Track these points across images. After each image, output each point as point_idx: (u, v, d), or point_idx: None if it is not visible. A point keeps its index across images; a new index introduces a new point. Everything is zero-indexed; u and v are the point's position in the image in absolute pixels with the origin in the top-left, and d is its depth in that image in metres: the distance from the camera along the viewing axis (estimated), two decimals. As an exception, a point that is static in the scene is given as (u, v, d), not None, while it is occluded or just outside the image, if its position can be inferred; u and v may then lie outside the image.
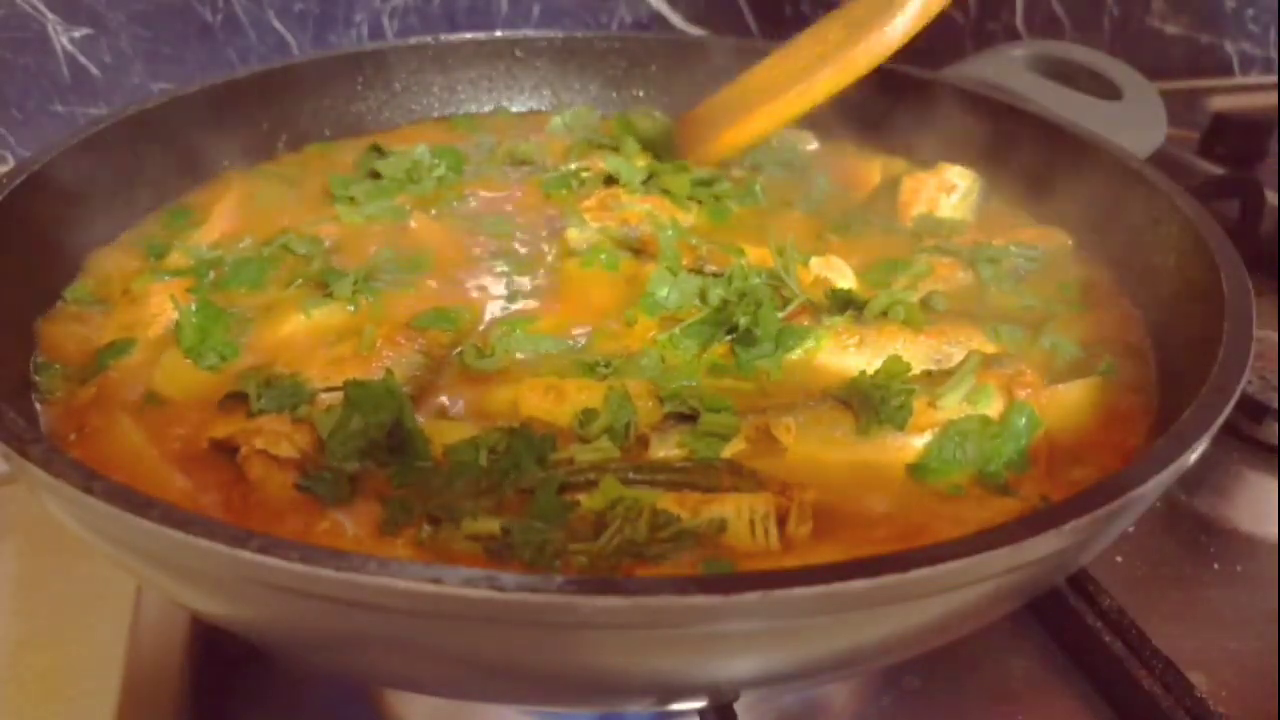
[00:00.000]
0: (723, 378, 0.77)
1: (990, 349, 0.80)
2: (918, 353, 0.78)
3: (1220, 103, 1.66)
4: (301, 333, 0.80)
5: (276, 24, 1.40)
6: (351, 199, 1.00)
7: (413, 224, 0.96)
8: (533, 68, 1.24)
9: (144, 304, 0.81)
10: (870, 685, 0.79)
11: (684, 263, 0.86)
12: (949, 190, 1.02)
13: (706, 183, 1.04)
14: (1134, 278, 0.90)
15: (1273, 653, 0.82)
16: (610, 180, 1.05)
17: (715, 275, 0.84)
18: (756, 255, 0.89)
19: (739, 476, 0.66)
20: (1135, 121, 1.25)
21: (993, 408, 0.72)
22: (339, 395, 0.68)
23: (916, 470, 0.69)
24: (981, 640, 0.81)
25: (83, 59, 1.33)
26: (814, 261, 0.88)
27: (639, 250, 0.92)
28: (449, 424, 0.70)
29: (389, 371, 0.72)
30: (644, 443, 0.68)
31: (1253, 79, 1.92)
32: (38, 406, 0.72)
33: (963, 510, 0.66)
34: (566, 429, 0.70)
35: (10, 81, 1.30)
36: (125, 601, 0.82)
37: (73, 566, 0.87)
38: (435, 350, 0.78)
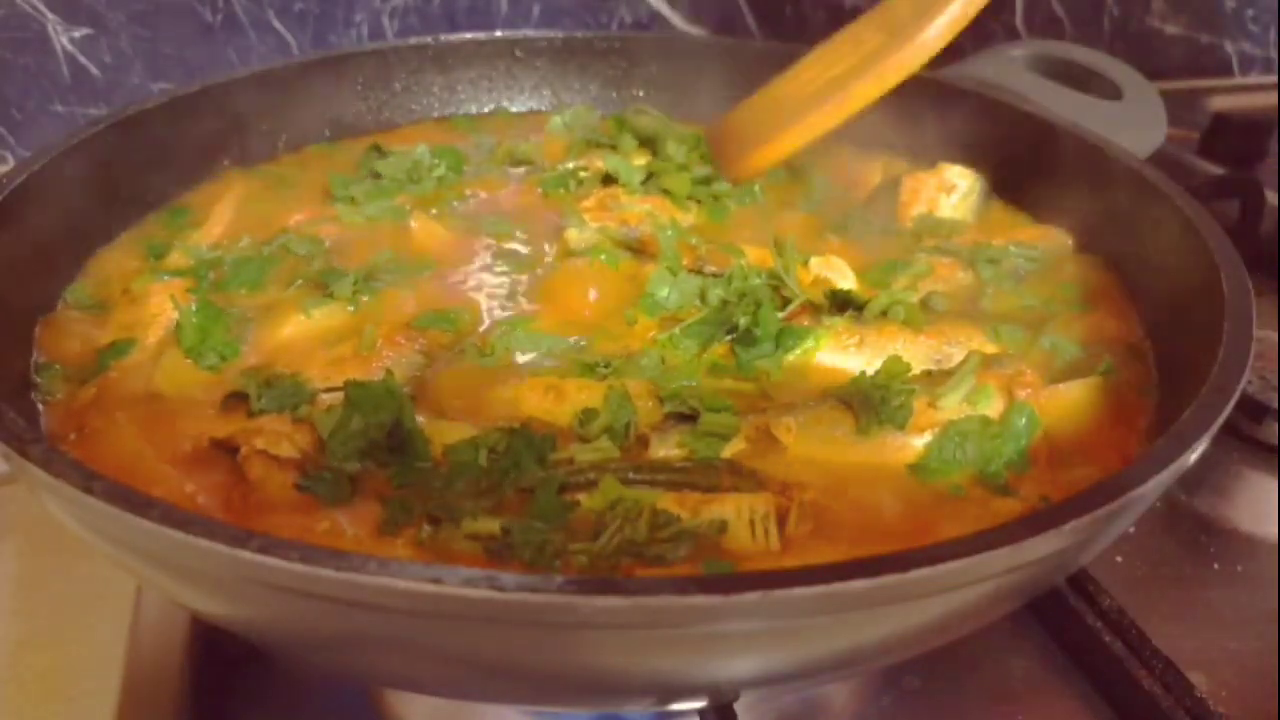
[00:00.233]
0: (723, 378, 0.77)
1: (990, 349, 0.80)
2: (918, 353, 0.78)
3: (1220, 103, 1.66)
4: (302, 333, 0.80)
5: (276, 24, 1.40)
6: (351, 199, 1.00)
7: (413, 224, 0.96)
8: (533, 68, 1.24)
9: (144, 304, 0.81)
10: (870, 685, 0.79)
11: (684, 263, 0.86)
12: (949, 190, 1.02)
13: (706, 182, 1.05)
14: (1134, 278, 0.90)
15: (1273, 653, 0.82)
16: (609, 180, 1.05)
17: (715, 275, 0.84)
18: (756, 255, 0.89)
19: (739, 476, 0.66)
20: (1135, 121, 1.25)
21: (993, 408, 0.72)
22: (339, 395, 0.68)
23: (916, 470, 0.69)
24: (981, 640, 0.81)
25: (83, 59, 1.33)
26: (814, 261, 0.88)
27: (639, 250, 0.92)
28: (449, 424, 0.70)
29: (389, 372, 0.72)
30: (644, 443, 0.68)
31: (1253, 79, 1.92)
32: (38, 406, 0.72)
33: (963, 510, 0.66)
34: (566, 429, 0.70)
35: (10, 81, 1.30)
36: (125, 601, 0.82)
37: (73, 566, 0.87)
38: (435, 350, 0.78)
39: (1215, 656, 0.81)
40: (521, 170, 1.10)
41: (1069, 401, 0.75)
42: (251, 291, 0.85)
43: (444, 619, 0.47)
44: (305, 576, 0.46)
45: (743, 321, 0.78)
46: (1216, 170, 1.43)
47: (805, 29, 1.65)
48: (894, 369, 0.74)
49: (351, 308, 0.83)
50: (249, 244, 0.92)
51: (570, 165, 1.08)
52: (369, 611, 0.47)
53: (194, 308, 0.79)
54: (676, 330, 0.80)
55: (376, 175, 1.04)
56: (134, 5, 1.32)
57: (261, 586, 0.48)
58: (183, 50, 1.37)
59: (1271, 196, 1.24)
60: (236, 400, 0.71)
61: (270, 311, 0.82)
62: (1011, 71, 1.31)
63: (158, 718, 0.74)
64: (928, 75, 1.15)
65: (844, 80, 0.98)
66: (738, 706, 0.67)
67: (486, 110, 1.24)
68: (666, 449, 0.68)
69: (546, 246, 0.94)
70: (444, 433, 0.68)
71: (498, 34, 1.23)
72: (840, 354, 0.79)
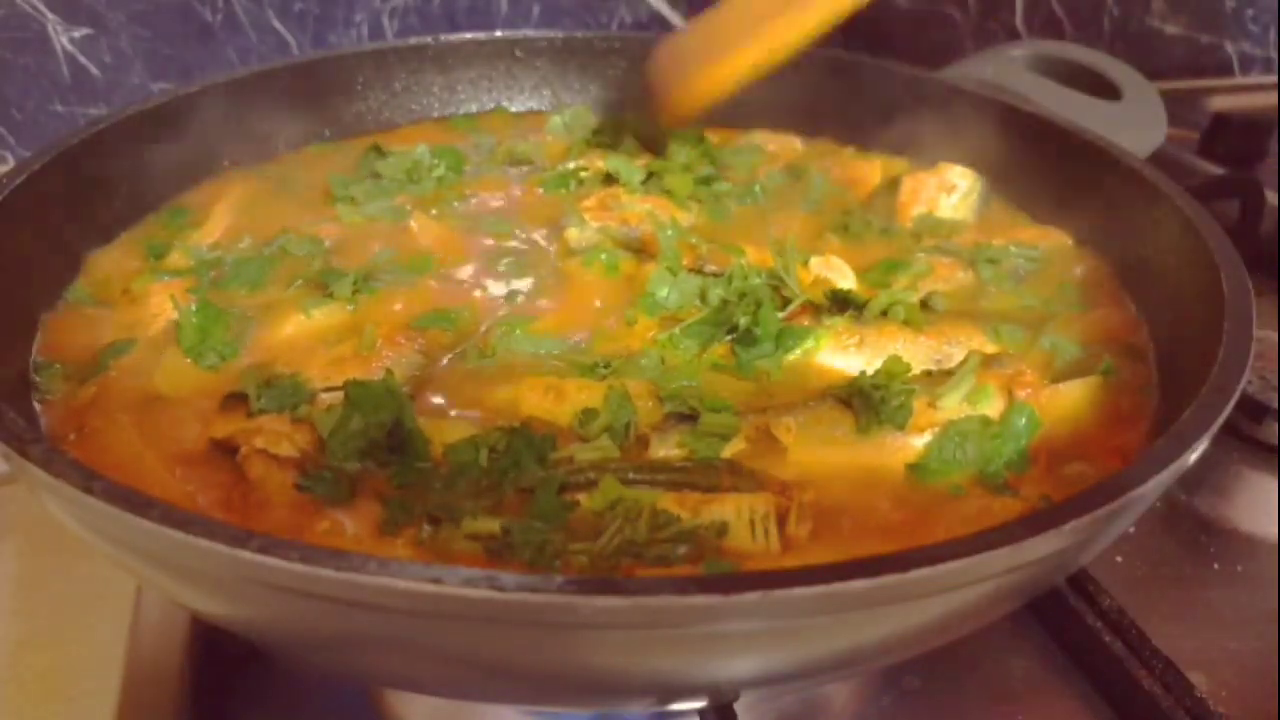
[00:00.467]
0: (723, 378, 0.77)
1: (990, 349, 0.80)
2: (918, 353, 0.78)
3: (1220, 103, 1.66)
4: (302, 333, 0.80)
5: (276, 24, 1.40)
6: (351, 199, 1.00)
7: (413, 224, 0.96)
8: (533, 68, 1.24)
9: (144, 304, 0.82)
10: (870, 685, 0.79)
11: (684, 262, 0.86)
12: (949, 190, 1.02)
13: (706, 181, 1.05)
14: (1134, 278, 0.90)
15: (1273, 653, 0.82)
16: (610, 180, 1.05)
17: (715, 275, 0.84)
18: (756, 255, 0.89)
19: (739, 476, 0.66)
20: (1135, 121, 1.25)
21: (993, 408, 0.72)
22: (339, 395, 0.68)
23: (916, 470, 0.69)
24: (981, 640, 0.81)
25: (83, 59, 1.33)
26: (814, 261, 0.88)
27: (639, 250, 0.92)
28: (449, 424, 0.70)
29: (389, 371, 0.72)
30: (644, 443, 0.68)
31: (1253, 79, 1.92)
32: (38, 406, 0.72)
33: (963, 510, 0.66)
34: (566, 429, 0.70)
35: (10, 81, 1.30)
36: (125, 601, 0.82)
37: (73, 566, 0.87)
38: (435, 350, 0.78)
39: (1215, 656, 0.81)
40: (521, 170, 1.10)
41: (1069, 401, 0.75)
42: (251, 291, 0.85)
43: (444, 619, 0.47)
44: (305, 576, 0.46)
45: (743, 321, 0.78)
46: (1216, 170, 1.43)
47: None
48: (894, 369, 0.74)
49: (351, 308, 0.83)
50: (249, 244, 0.92)
51: (570, 165, 1.08)
52: (369, 611, 0.47)
53: (194, 308, 0.80)
54: (676, 330, 0.80)
55: (376, 175, 1.04)
56: (134, 5, 1.32)
57: (261, 586, 0.48)
58: (183, 50, 1.37)
59: (1271, 196, 1.24)
60: (236, 400, 0.71)
61: (270, 311, 0.82)
62: (1011, 71, 1.31)
63: (158, 718, 0.74)
64: (928, 75, 1.16)
65: (776, 7, 0.91)
66: (738, 706, 0.67)
67: (486, 110, 1.24)
68: (666, 449, 0.68)
69: (547, 246, 0.94)
70: (444, 432, 0.68)
71: (498, 34, 1.23)
72: (840, 354, 0.79)
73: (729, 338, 0.79)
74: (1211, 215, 0.83)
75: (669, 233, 0.90)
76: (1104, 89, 1.30)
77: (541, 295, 0.86)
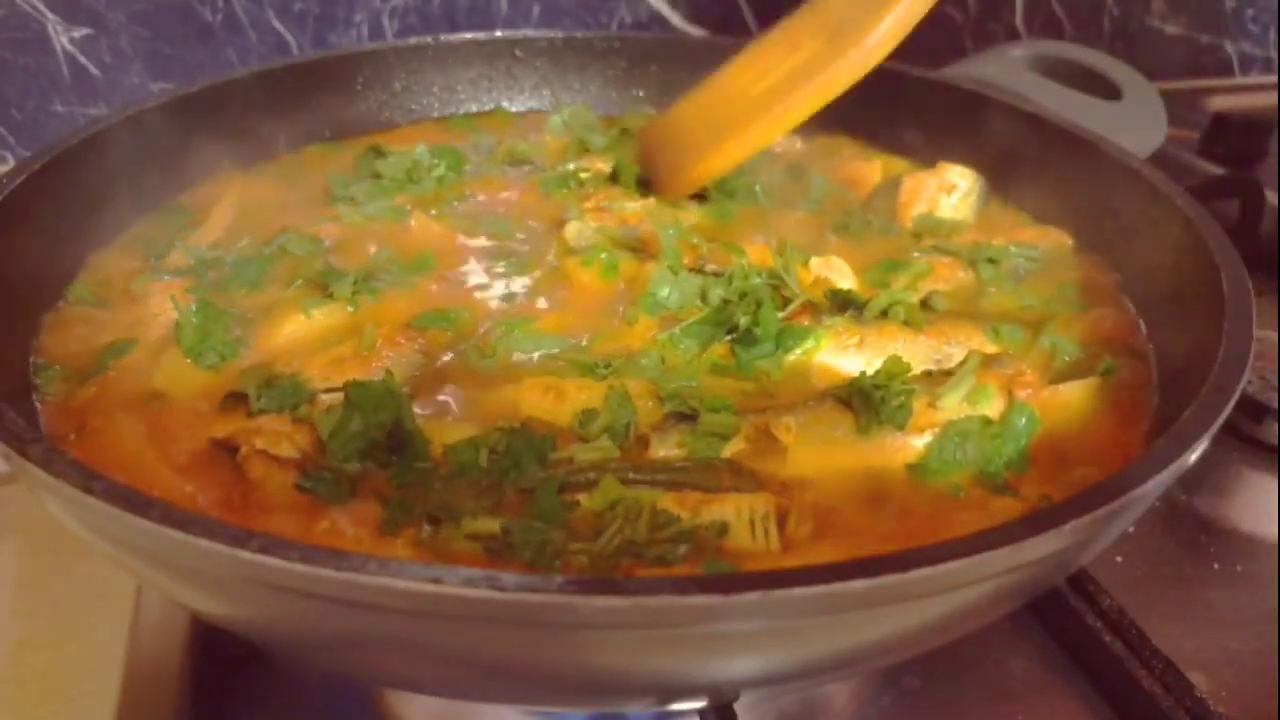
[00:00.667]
0: (723, 378, 0.77)
1: (990, 349, 0.80)
2: (918, 353, 0.78)
3: (1220, 103, 1.66)
4: (302, 333, 0.80)
5: (276, 24, 1.40)
6: (351, 199, 1.00)
7: (413, 224, 0.96)
8: (532, 68, 1.24)
9: (144, 304, 0.82)
10: (870, 685, 0.79)
11: (684, 262, 0.86)
12: (949, 190, 1.02)
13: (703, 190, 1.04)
14: (1134, 278, 0.90)
15: (1273, 653, 0.82)
16: (610, 179, 1.05)
17: (716, 275, 0.84)
18: (756, 255, 0.89)
19: (739, 476, 0.66)
20: (1135, 121, 1.25)
21: (993, 408, 0.72)
22: (339, 395, 0.68)
23: (916, 470, 0.69)
24: (981, 640, 0.81)
25: (83, 59, 1.33)
26: (814, 261, 0.88)
27: (638, 250, 0.92)
28: (449, 424, 0.70)
29: (389, 372, 0.72)
30: (644, 443, 0.68)
31: (1253, 79, 1.92)
32: (38, 406, 0.72)
33: (963, 510, 0.66)
34: (566, 429, 0.70)
35: (10, 81, 1.30)
36: (125, 601, 0.82)
37: (73, 566, 0.87)
38: (435, 350, 0.78)
39: (1215, 656, 0.81)
40: (521, 170, 1.10)
41: (1069, 401, 0.75)
42: (251, 291, 0.85)
43: (444, 619, 0.47)
44: (305, 576, 0.46)
45: (743, 321, 0.78)
46: (1216, 170, 1.43)
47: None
48: (894, 369, 0.74)
49: (351, 308, 0.83)
50: (249, 244, 0.92)
51: (571, 166, 1.08)
52: (369, 611, 0.47)
53: (194, 308, 0.80)
54: (676, 330, 0.80)
55: (376, 175, 1.04)
56: (134, 5, 1.32)
57: (261, 586, 0.48)
58: (183, 50, 1.37)
59: (1271, 196, 1.24)
60: (236, 400, 0.71)
61: (270, 311, 0.82)
62: (1011, 71, 1.32)
63: (158, 718, 0.74)
64: (928, 75, 1.16)
65: (782, 90, 0.91)
66: (738, 706, 0.67)
67: (486, 110, 1.24)
68: (666, 449, 0.68)
69: (547, 246, 0.94)
70: (444, 433, 0.68)
71: (498, 34, 1.23)
72: (840, 354, 0.79)
73: (729, 338, 0.79)
74: (1211, 215, 0.83)
75: (670, 232, 0.90)
76: (1104, 89, 1.30)
77: (541, 295, 0.86)
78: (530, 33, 1.25)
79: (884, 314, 0.81)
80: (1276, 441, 1.02)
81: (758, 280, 0.83)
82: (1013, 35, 1.77)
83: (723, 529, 0.61)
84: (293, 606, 0.49)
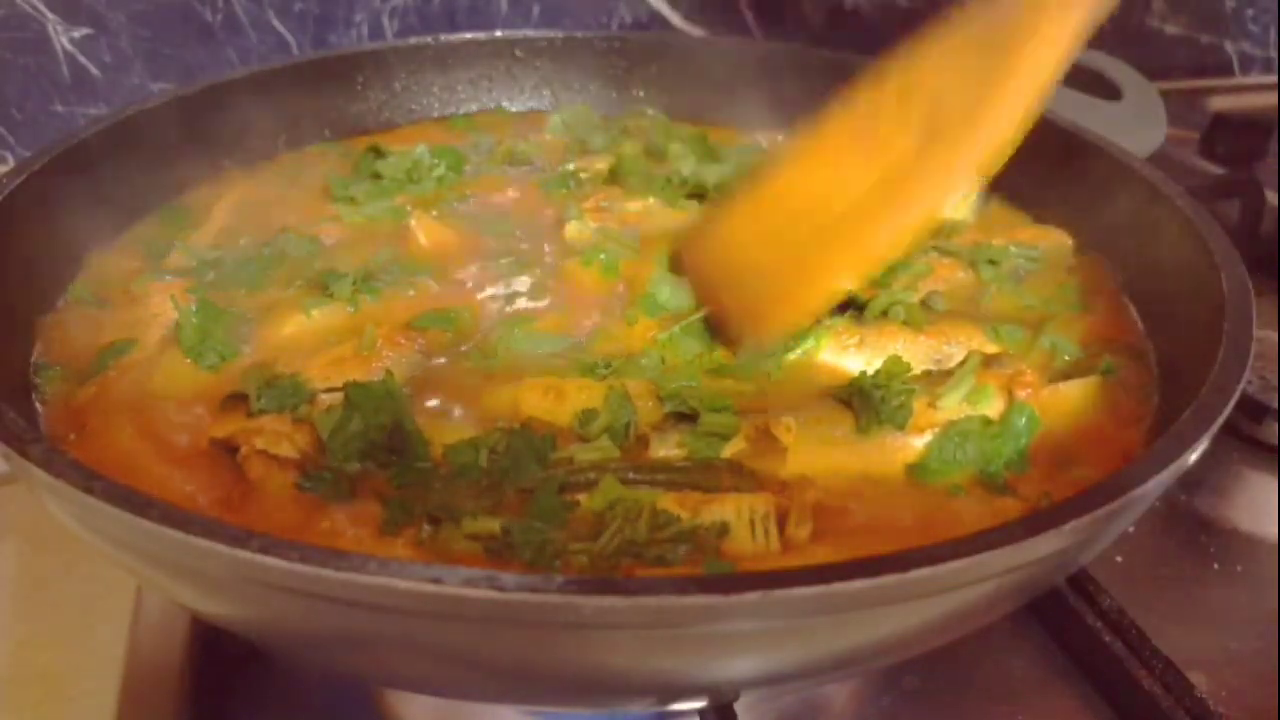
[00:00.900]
0: (723, 378, 0.77)
1: (990, 349, 0.80)
2: (918, 353, 0.78)
3: (1220, 103, 1.66)
4: (302, 333, 0.80)
5: (276, 24, 1.40)
6: (351, 199, 1.00)
7: (412, 224, 0.96)
8: (533, 68, 1.24)
9: (144, 304, 0.81)
10: (870, 685, 0.79)
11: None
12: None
13: (700, 190, 1.04)
14: (1134, 278, 0.90)
15: (1273, 653, 0.82)
16: (610, 179, 1.05)
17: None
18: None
19: (739, 476, 0.66)
20: (1135, 121, 1.25)
21: (993, 408, 0.72)
22: (339, 395, 0.68)
23: (916, 470, 0.69)
24: (981, 640, 0.81)
25: (83, 59, 1.33)
26: (814, 261, 0.88)
27: (638, 249, 0.91)
28: (449, 424, 0.70)
29: (389, 372, 0.72)
30: (644, 443, 0.68)
31: (1253, 79, 1.92)
32: (38, 406, 0.72)
33: (963, 510, 0.66)
34: (566, 429, 0.70)
35: (10, 81, 1.30)
36: (125, 601, 0.82)
37: (73, 566, 0.87)
38: (435, 350, 0.78)
39: (1215, 656, 0.81)
40: (521, 170, 1.10)
41: (1069, 401, 0.75)
42: (251, 291, 0.85)
43: (444, 619, 0.47)
44: (305, 576, 0.46)
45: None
46: (1216, 170, 1.43)
47: (805, 29, 1.65)
48: (894, 369, 0.74)
49: (351, 308, 0.83)
50: (249, 244, 0.92)
51: (571, 165, 1.08)
52: (369, 611, 0.47)
53: (194, 308, 0.79)
54: (676, 329, 0.80)
55: (376, 175, 1.04)
56: (134, 5, 1.32)
57: (261, 586, 0.48)
58: (183, 50, 1.37)
59: (1271, 196, 1.24)
60: (236, 400, 0.71)
61: (270, 311, 0.82)
62: (1011, 71, 1.31)
63: (158, 718, 0.74)
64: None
65: (886, 204, 0.70)
66: (738, 706, 0.67)
67: (486, 110, 1.24)
68: (666, 449, 0.68)
69: (546, 246, 0.94)
70: (444, 433, 0.68)
71: (498, 34, 1.23)
72: (840, 354, 0.79)
73: (729, 338, 0.79)
74: (1211, 215, 0.83)
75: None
76: (1104, 89, 1.30)
77: (541, 295, 0.86)
78: (530, 33, 1.25)
79: (884, 314, 0.81)
80: (1276, 441, 1.02)
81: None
82: (1013, 35, 1.77)
83: (723, 529, 0.61)
84: (293, 606, 0.49)
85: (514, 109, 1.25)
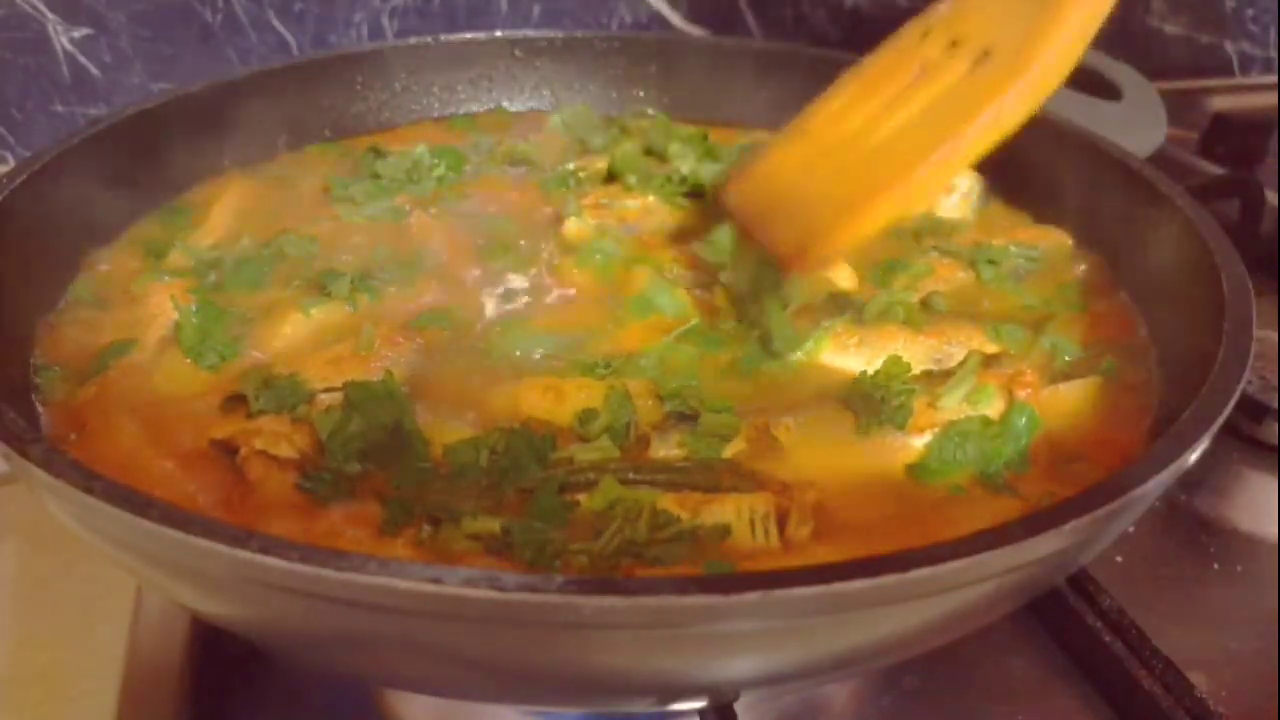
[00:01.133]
0: (723, 378, 0.77)
1: (990, 349, 0.80)
2: (918, 353, 0.78)
3: (1220, 103, 1.66)
4: (301, 333, 0.80)
5: (276, 24, 1.40)
6: (351, 199, 1.00)
7: (412, 224, 0.96)
8: (533, 68, 1.24)
9: (144, 304, 0.81)
10: (870, 685, 0.79)
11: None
12: (949, 190, 1.02)
13: (698, 189, 1.04)
14: (1134, 278, 0.90)
15: (1273, 653, 0.82)
16: (609, 179, 1.05)
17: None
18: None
19: (739, 476, 0.65)
20: (1135, 121, 1.25)
21: (993, 408, 0.72)
22: (338, 395, 0.68)
23: (916, 470, 0.69)
24: (981, 640, 0.81)
25: (83, 59, 1.33)
26: (814, 261, 0.88)
27: (637, 248, 0.91)
28: (449, 425, 0.70)
29: (388, 373, 0.72)
30: (644, 442, 0.68)
31: (1253, 79, 1.92)
32: (38, 407, 0.72)
33: (963, 511, 0.66)
34: (566, 429, 0.70)
35: (10, 81, 1.30)
36: (125, 601, 0.82)
37: (73, 566, 0.87)
38: (434, 350, 0.78)
39: (1215, 656, 0.81)
40: (521, 170, 1.10)
41: (1069, 401, 0.75)
42: (251, 291, 0.85)
43: (444, 619, 0.47)
44: (305, 576, 0.46)
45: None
46: (1216, 170, 1.43)
47: (805, 29, 1.65)
48: (894, 369, 0.74)
49: (350, 307, 0.83)
50: (248, 244, 0.92)
51: (570, 165, 1.08)
52: (369, 611, 0.47)
53: (194, 308, 0.79)
54: (671, 338, 0.80)
55: (376, 175, 1.04)
56: (134, 5, 1.32)
57: (261, 586, 0.48)
58: (183, 50, 1.37)
59: (1271, 196, 1.24)
60: (236, 401, 0.71)
61: (270, 311, 0.82)
62: (1011, 71, 1.31)
63: (158, 718, 0.74)
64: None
65: (939, 125, 0.70)
66: (738, 706, 0.67)
67: (486, 110, 1.24)
68: (667, 449, 0.68)
69: (545, 246, 0.94)
70: (444, 433, 0.68)
71: (498, 34, 1.23)
72: (840, 354, 0.79)
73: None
74: (1211, 215, 0.83)
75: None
76: (1104, 89, 1.30)
77: (540, 294, 0.86)
78: (530, 33, 1.25)
79: (884, 314, 0.81)
80: (1276, 441, 1.02)
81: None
82: (1013, 35, 1.77)
83: (723, 529, 0.61)
84: (293, 606, 0.49)
85: (514, 109, 1.25)
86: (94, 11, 1.31)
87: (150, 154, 0.96)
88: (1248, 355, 0.66)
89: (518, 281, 0.88)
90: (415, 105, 1.21)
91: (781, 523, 0.62)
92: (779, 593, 0.45)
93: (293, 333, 0.80)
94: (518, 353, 0.78)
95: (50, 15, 1.29)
